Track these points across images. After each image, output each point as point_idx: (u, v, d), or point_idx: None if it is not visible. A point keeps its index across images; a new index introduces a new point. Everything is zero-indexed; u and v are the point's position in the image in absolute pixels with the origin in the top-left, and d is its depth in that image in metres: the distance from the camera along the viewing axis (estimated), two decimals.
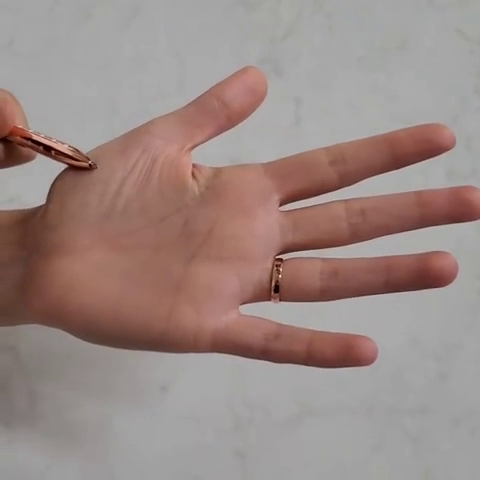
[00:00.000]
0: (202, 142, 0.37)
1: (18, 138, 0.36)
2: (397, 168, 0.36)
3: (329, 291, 0.36)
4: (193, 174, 0.37)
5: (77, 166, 0.36)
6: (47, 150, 0.36)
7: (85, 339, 0.36)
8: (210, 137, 0.37)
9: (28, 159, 0.37)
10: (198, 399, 0.50)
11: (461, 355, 0.51)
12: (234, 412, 0.50)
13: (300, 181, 0.37)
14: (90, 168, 0.36)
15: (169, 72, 0.56)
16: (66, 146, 0.36)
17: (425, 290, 0.51)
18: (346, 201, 0.37)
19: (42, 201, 0.50)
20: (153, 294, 0.35)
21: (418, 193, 0.36)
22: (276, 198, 0.37)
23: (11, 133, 0.35)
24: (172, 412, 0.49)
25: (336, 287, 0.36)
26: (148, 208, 0.36)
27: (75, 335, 0.36)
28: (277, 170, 0.37)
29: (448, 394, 0.50)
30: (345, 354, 0.35)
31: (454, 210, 0.35)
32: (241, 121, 0.38)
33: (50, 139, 0.36)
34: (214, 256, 0.36)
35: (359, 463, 0.49)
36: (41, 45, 0.56)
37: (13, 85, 0.54)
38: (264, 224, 0.36)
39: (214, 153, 0.53)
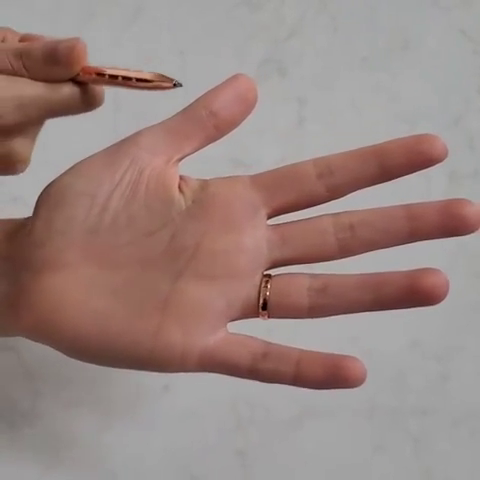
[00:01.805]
0: (190, 153, 0.37)
1: (92, 76, 0.36)
2: (387, 180, 0.36)
3: (317, 308, 0.35)
4: (180, 187, 0.36)
5: (162, 88, 0.36)
6: (127, 80, 0.36)
7: (73, 356, 0.36)
8: (198, 148, 0.37)
9: (99, 103, 0.38)
10: (200, 398, 0.50)
11: (462, 356, 0.51)
12: (236, 411, 0.50)
13: (288, 194, 0.36)
14: (175, 87, 0.36)
15: (172, 71, 0.56)
16: (146, 72, 0.36)
17: None
18: (334, 215, 0.36)
19: None
20: (140, 312, 0.35)
21: (408, 207, 0.35)
22: (264, 212, 0.36)
23: (83, 71, 0.36)
24: (174, 411, 0.49)
25: (324, 304, 0.35)
26: (135, 222, 0.35)
27: (63, 352, 0.36)
28: (264, 183, 0.36)
29: (449, 395, 0.50)
30: (333, 375, 0.35)
31: (445, 224, 0.34)
32: (230, 131, 0.37)
33: (125, 69, 0.36)
34: (201, 273, 0.35)
35: (360, 463, 0.49)
36: None
37: None
38: (252, 239, 0.35)
39: (215, 154, 0.53)
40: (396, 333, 0.51)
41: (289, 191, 0.36)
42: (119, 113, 0.55)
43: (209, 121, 0.36)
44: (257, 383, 0.49)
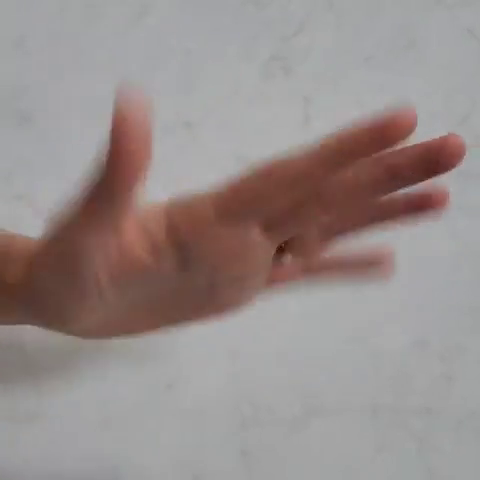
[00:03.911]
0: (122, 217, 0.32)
1: None
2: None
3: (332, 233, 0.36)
4: (155, 251, 0.32)
5: None
6: None
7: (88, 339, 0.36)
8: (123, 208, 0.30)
9: None
10: (203, 398, 0.50)
11: (466, 356, 0.51)
12: (239, 411, 0.50)
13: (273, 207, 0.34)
14: None
15: (178, 70, 0.56)
16: None
17: (431, 290, 0.51)
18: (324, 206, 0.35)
19: (49, 199, 0.51)
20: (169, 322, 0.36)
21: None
22: (255, 228, 0.34)
23: None
24: (177, 410, 0.50)
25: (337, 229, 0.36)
26: (130, 295, 0.34)
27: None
28: (235, 204, 0.33)
29: (452, 395, 0.50)
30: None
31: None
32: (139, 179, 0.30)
33: None
34: (226, 300, 0.35)
35: (363, 463, 0.50)
36: (51, 43, 0.56)
37: (22, 82, 0.54)
38: (257, 255, 0.34)
39: (222, 152, 0.53)
40: (400, 333, 0.51)
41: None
42: None
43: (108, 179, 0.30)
44: (259, 383, 0.50)
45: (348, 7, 0.57)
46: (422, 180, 0.32)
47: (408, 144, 0.35)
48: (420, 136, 0.54)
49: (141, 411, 0.50)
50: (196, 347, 0.50)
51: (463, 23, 0.57)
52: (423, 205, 0.34)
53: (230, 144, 0.53)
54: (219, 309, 0.35)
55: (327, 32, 0.57)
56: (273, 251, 0.35)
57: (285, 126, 0.56)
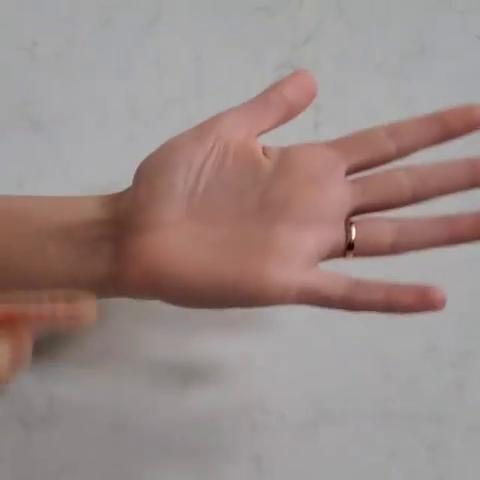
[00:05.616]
0: (267, 130, 0.42)
1: None
2: (446, 141, 0.42)
3: (399, 245, 0.41)
4: (264, 153, 0.41)
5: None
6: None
7: (181, 304, 0.40)
8: (273, 126, 0.42)
9: None
10: (214, 403, 0.50)
11: (477, 363, 0.51)
12: (250, 416, 0.50)
13: (363, 153, 0.41)
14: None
15: (189, 76, 0.56)
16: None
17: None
18: (406, 168, 0.41)
19: None
20: (241, 258, 0.39)
21: (467, 159, 0.41)
22: (342, 167, 0.41)
23: None
24: (188, 416, 0.49)
25: (405, 242, 0.41)
26: (227, 185, 0.40)
27: (170, 301, 0.40)
28: (341, 145, 0.42)
29: (464, 402, 0.50)
30: (421, 299, 0.39)
31: None
32: (297, 115, 0.43)
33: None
34: (294, 220, 0.40)
35: (374, 469, 0.49)
36: (63, 48, 0.56)
37: (35, 87, 0.55)
38: (335, 190, 0.41)
39: None
40: (411, 339, 0.51)
41: (364, 150, 0.42)
42: (135, 120, 0.55)
43: (282, 104, 0.42)
44: (271, 387, 0.50)
45: (358, 14, 0.58)
46: None
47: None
48: None
49: (152, 418, 0.49)
50: (208, 353, 0.50)
51: (473, 30, 0.57)
52: None
53: None
54: (268, 259, 0.39)
55: (337, 39, 0.57)
56: (346, 210, 0.41)
57: (294, 133, 0.55)
